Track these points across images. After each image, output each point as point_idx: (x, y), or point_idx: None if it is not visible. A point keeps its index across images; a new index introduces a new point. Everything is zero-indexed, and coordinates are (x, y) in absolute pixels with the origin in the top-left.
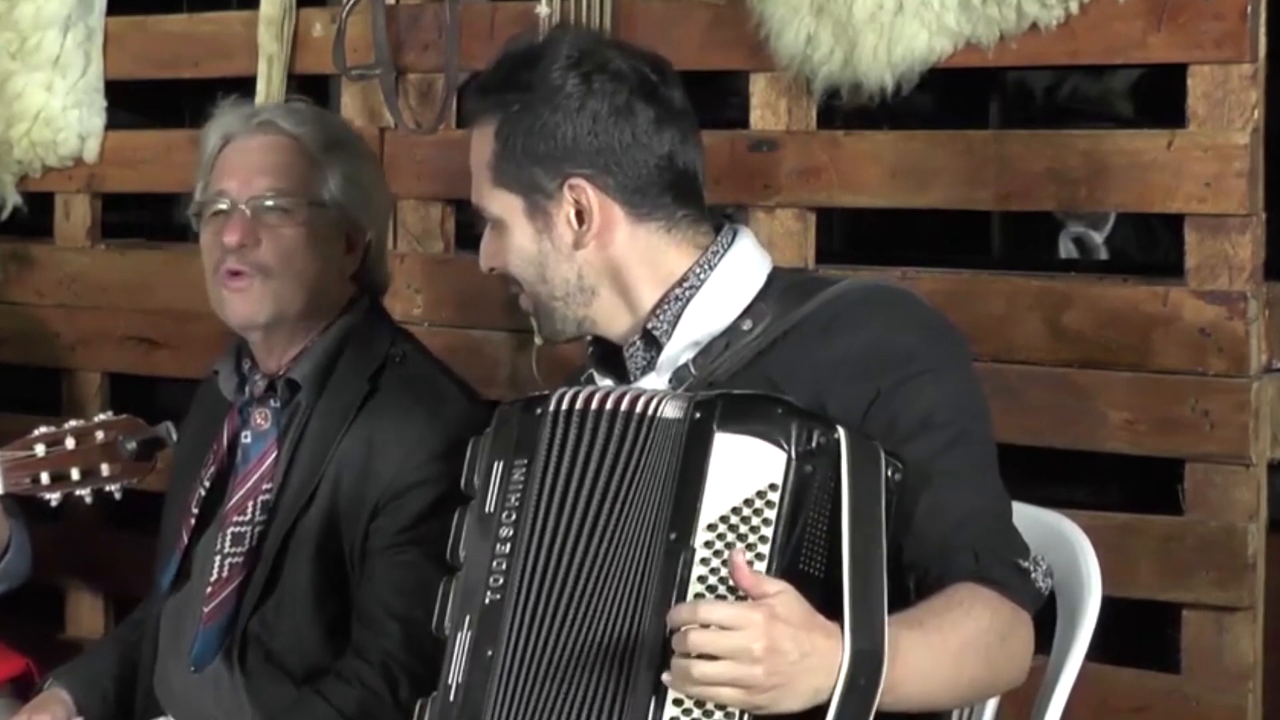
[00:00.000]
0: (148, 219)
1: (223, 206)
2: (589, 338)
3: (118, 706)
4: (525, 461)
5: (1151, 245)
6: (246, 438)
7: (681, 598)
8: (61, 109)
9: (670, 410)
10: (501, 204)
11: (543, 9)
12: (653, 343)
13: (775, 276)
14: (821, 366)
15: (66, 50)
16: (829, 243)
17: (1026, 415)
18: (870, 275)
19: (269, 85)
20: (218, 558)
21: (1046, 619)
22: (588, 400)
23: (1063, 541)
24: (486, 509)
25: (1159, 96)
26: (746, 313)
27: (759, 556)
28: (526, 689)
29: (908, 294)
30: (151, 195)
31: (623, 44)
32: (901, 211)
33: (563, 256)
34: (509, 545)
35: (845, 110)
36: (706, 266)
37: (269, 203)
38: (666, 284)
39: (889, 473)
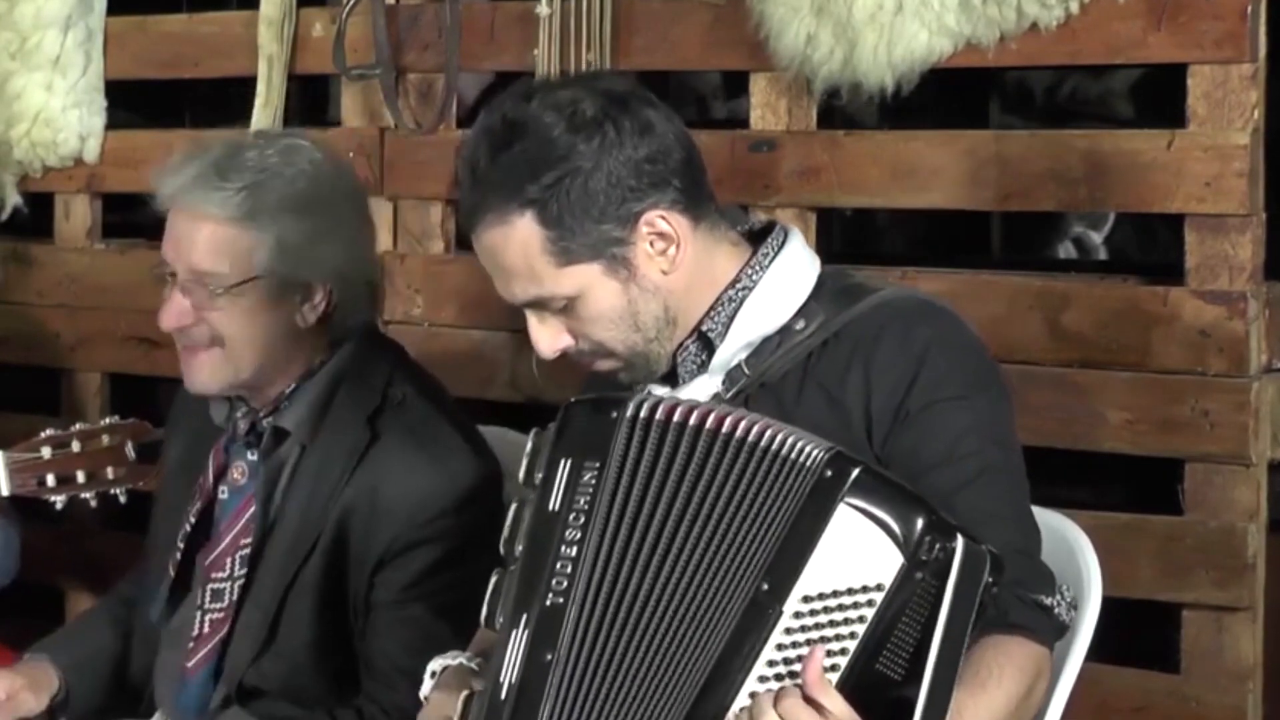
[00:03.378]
0: (148, 219)
1: (168, 271)
2: None
3: (103, 686)
4: (597, 464)
5: (1151, 245)
6: (224, 493)
7: (755, 654)
8: (61, 109)
9: (791, 447)
10: (575, 279)
11: (543, 9)
12: (706, 344)
13: (825, 278)
14: (872, 366)
15: (67, 50)
16: (829, 243)
17: (1027, 415)
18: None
19: (269, 86)
20: (198, 613)
21: None
22: (670, 411)
23: (1063, 541)
24: (551, 506)
25: (1159, 96)
26: (799, 313)
27: (842, 651)
28: (583, 700)
29: (954, 316)
30: (152, 195)
31: (568, 80)
32: (901, 211)
33: (650, 294)
34: (576, 549)
35: (845, 110)
36: (759, 267)
37: (203, 280)
38: (718, 287)
39: (989, 579)
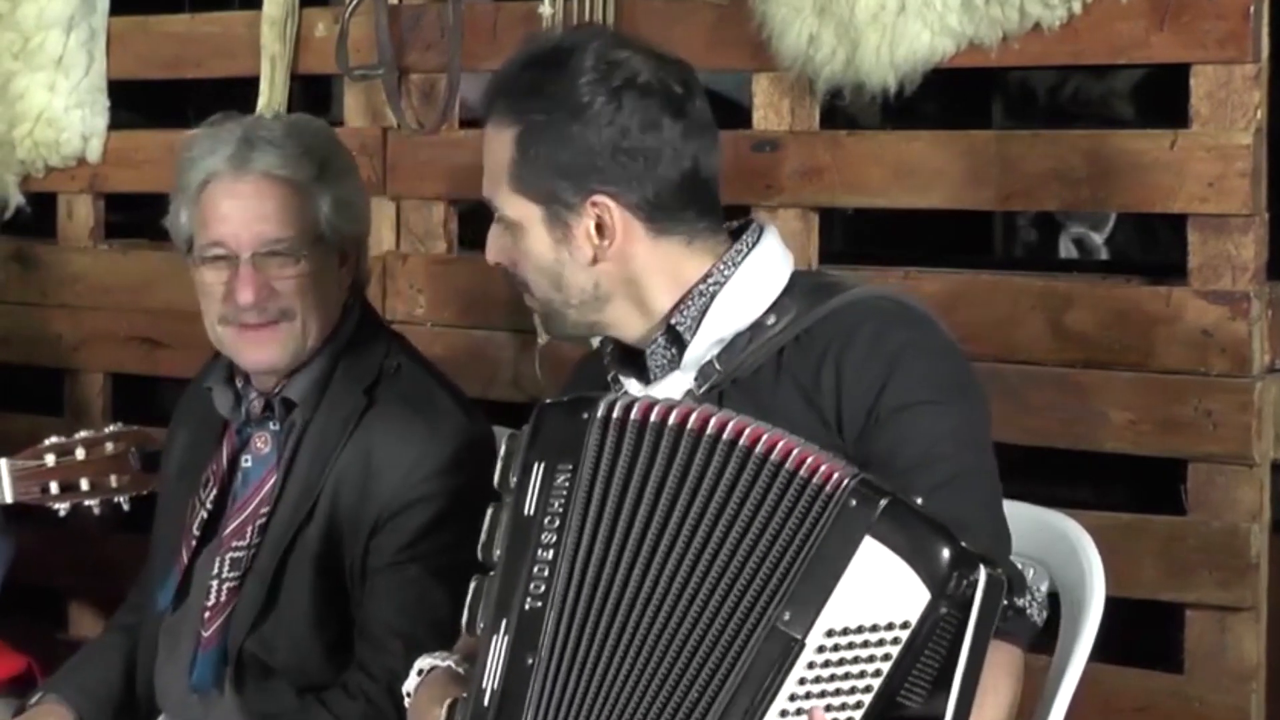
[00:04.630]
0: (150, 219)
1: (221, 253)
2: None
3: (114, 713)
4: (570, 467)
5: (1153, 245)
6: (247, 461)
7: (775, 687)
8: (64, 109)
9: (800, 463)
10: (519, 209)
11: (545, 9)
12: (676, 339)
13: (799, 275)
14: (844, 367)
15: (69, 50)
16: (831, 243)
17: (1029, 416)
18: (878, 279)
19: (271, 86)
20: (214, 582)
21: (1049, 619)
22: (645, 411)
23: (1065, 542)
24: (526, 510)
25: (1161, 97)
26: (771, 309)
27: (866, 689)
28: (567, 702)
29: (929, 319)
30: (154, 195)
31: (648, 49)
32: (903, 212)
33: (579, 267)
34: (552, 552)
35: (847, 110)
36: (731, 264)
37: (272, 250)
38: (683, 287)
39: (1005, 602)
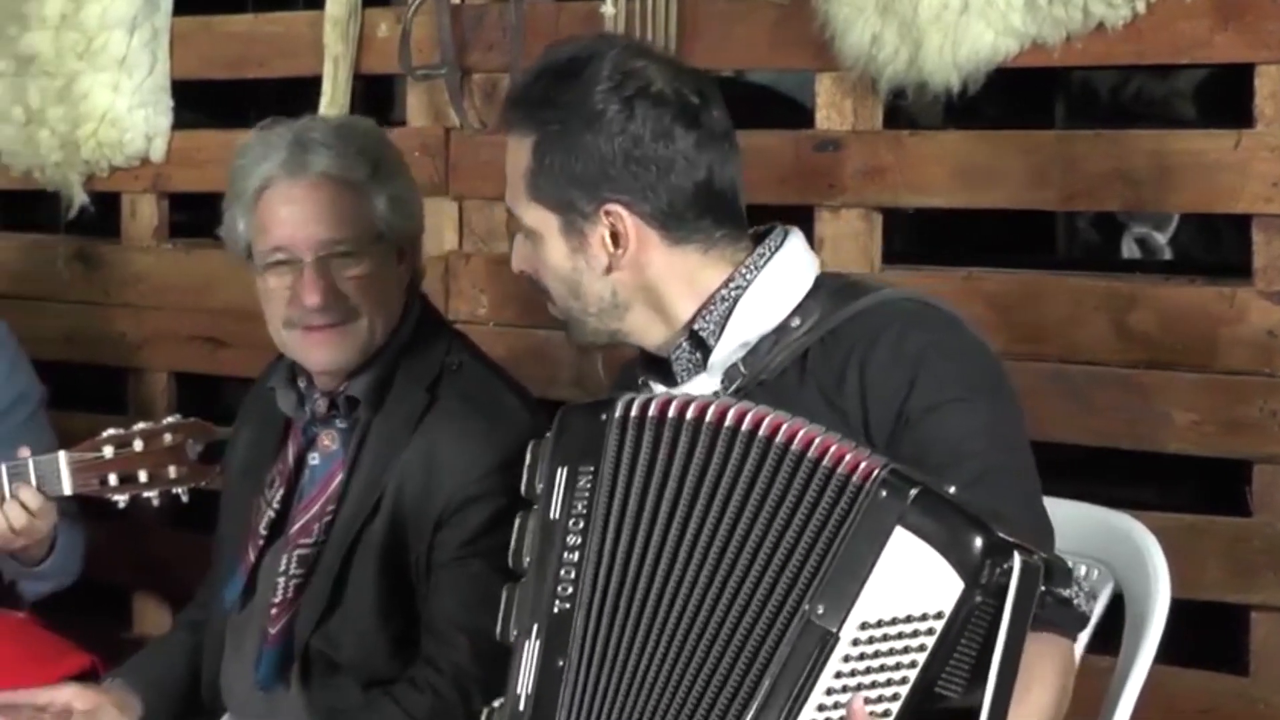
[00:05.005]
0: (214, 219)
1: (284, 258)
2: None
3: (178, 705)
4: (591, 468)
5: (1216, 246)
6: (314, 459)
7: (812, 681)
8: (128, 109)
9: (825, 452)
10: (536, 218)
11: (608, 9)
12: (700, 344)
13: (824, 279)
14: (868, 371)
15: (133, 50)
16: (893, 243)
17: (1092, 416)
18: (939, 280)
19: (334, 85)
20: (282, 579)
21: (1114, 621)
22: (662, 408)
23: (1130, 543)
24: (551, 515)
25: (1225, 97)
26: (795, 311)
27: (903, 681)
28: (599, 703)
29: (953, 317)
30: (217, 195)
31: (666, 59)
32: (966, 212)
33: (596, 276)
34: (577, 554)
35: (909, 110)
36: (753, 268)
37: (334, 252)
38: (704, 295)
39: (1044, 589)
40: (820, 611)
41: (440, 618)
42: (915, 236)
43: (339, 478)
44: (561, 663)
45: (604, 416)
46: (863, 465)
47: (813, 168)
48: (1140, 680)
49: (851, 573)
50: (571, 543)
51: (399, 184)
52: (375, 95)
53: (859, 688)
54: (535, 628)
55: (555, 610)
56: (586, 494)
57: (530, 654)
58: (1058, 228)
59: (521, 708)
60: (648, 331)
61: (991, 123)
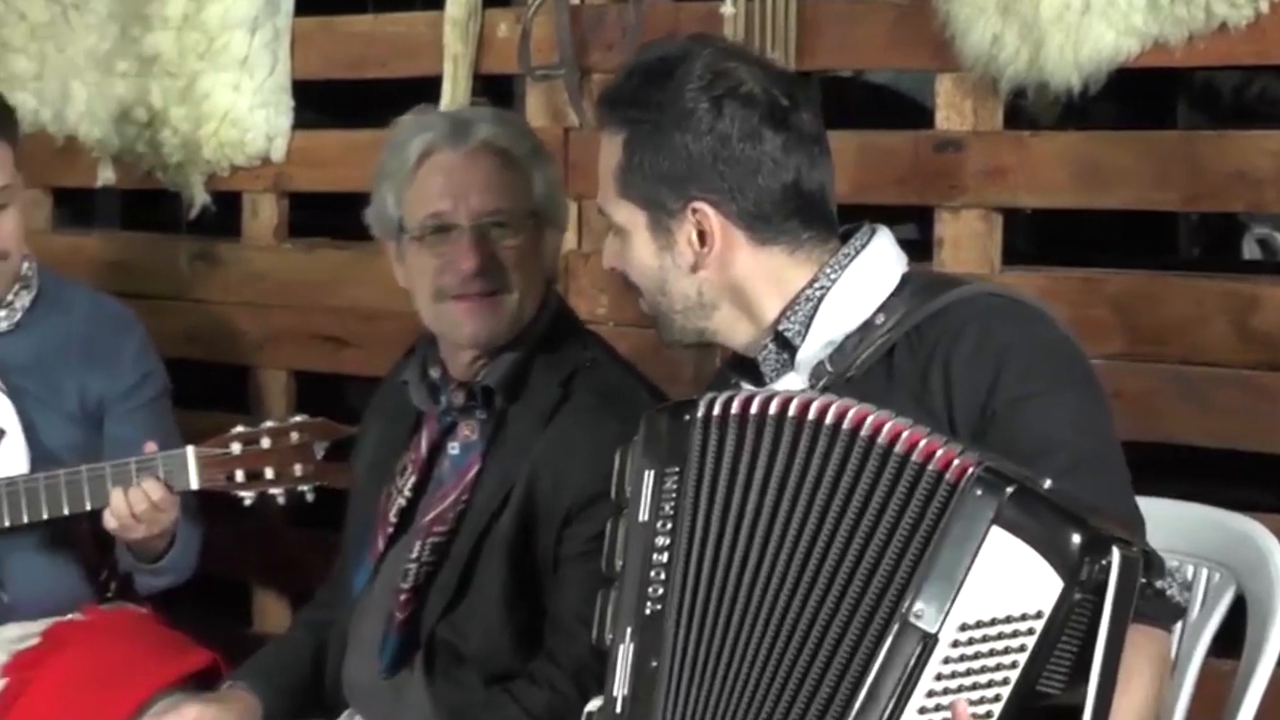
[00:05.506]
0: (334, 218)
1: (441, 224)
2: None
3: (299, 705)
4: (677, 469)
5: None
6: (454, 448)
7: (912, 683)
8: (249, 109)
9: (914, 447)
10: (625, 214)
11: (728, 9)
12: (785, 345)
13: (910, 277)
14: (952, 368)
15: (254, 51)
16: (1013, 244)
17: (1213, 418)
18: (1059, 280)
19: (454, 86)
20: (414, 565)
21: (1236, 624)
22: (745, 404)
23: (1251, 545)
24: (640, 518)
25: None
26: (881, 309)
27: (1004, 681)
28: (695, 703)
29: (1038, 311)
30: (337, 195)
31: (759, 61)
32: (1086, 212)
33: (682, 273)
34: (667, 554)
35: (1028, 110)
36: (837, 267)
37: (493, 220)
38: (788, 296)
39: (1143, 580)
40: (919, 612)
41: (565, 612)
42: (1035, 237)
43: (476, 467)
44: (655, 663)
45: (688, 417)
46: (956, 462)
47: (933, 168)
48: (1263, 684)
49: (949, 573)
50: (660, 544)
51: (553, 170)
52: (494, 95)
53: (959, 689)
54: (629, 630)
55: (647, 612)
56: (673, 495)
57: (625, 656)
58: (1179, 228)
59: (619, 710)
60: (734, 331)
61: (1110, 123)
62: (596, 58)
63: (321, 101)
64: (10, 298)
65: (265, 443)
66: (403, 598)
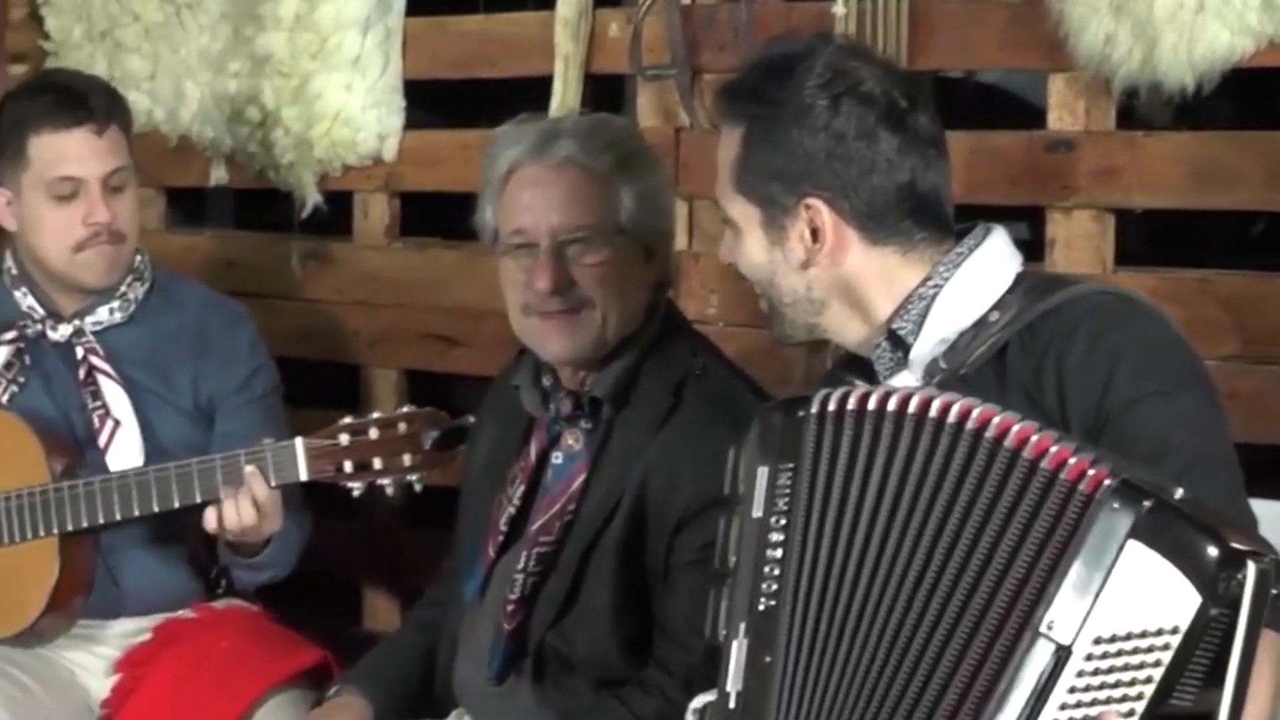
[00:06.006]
0: (445, 218)
1: (523, 241)
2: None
3: (410, 708)
4: (791, 465)
5: None
6: (558, 458)
7: (1045, 695)
8: (361, 109)
9: (1044, 452)
10: (739, 209)
11: (839, 9)
12: (899, 343)
13: (1024, 276)
14: (1065, 367)
15: (366, 51)
16: (1126, 245)
17: None
18: (1172, 281)
19: (565, 86)
20: (520, 575)
21: None
22: (861, 400)
23: None
24: (754, 514)
25: None
26: (994, 307)
27: (1139, 697)
28: (808, 697)
29: (1152, 310)
30: (448, 194)
31: (881, 62)
32: (1200, 213)
33: (791, 270)
34: (781, 550)
35: (1139, 110)
36: (951, 265)
37: (572, 238)
38: (901, 296)
39: (1275, 590)
40: (1052, 624)
41: (675, 620)
42: (1147, 238)
43: (581, 477)
44: (769, 659)
45: (802, 413)
46: (1091, 472)
47: (1045, 168)
48: None
49: (1084, 585)
50: (774, 540)
51: (649, 181)
52: (605, 95)
53: (1093, 703)
54: (742, 626)
55: (761, 608)
56: (788, 491)
57: (738, 652)
58: None
59: (732, 705)
60: (846, 329)
61: (1224, 123)
62: (708, 58)
63: (433, 101)
64: (124, 289)
65: (373, 433)
66: (510, 608)
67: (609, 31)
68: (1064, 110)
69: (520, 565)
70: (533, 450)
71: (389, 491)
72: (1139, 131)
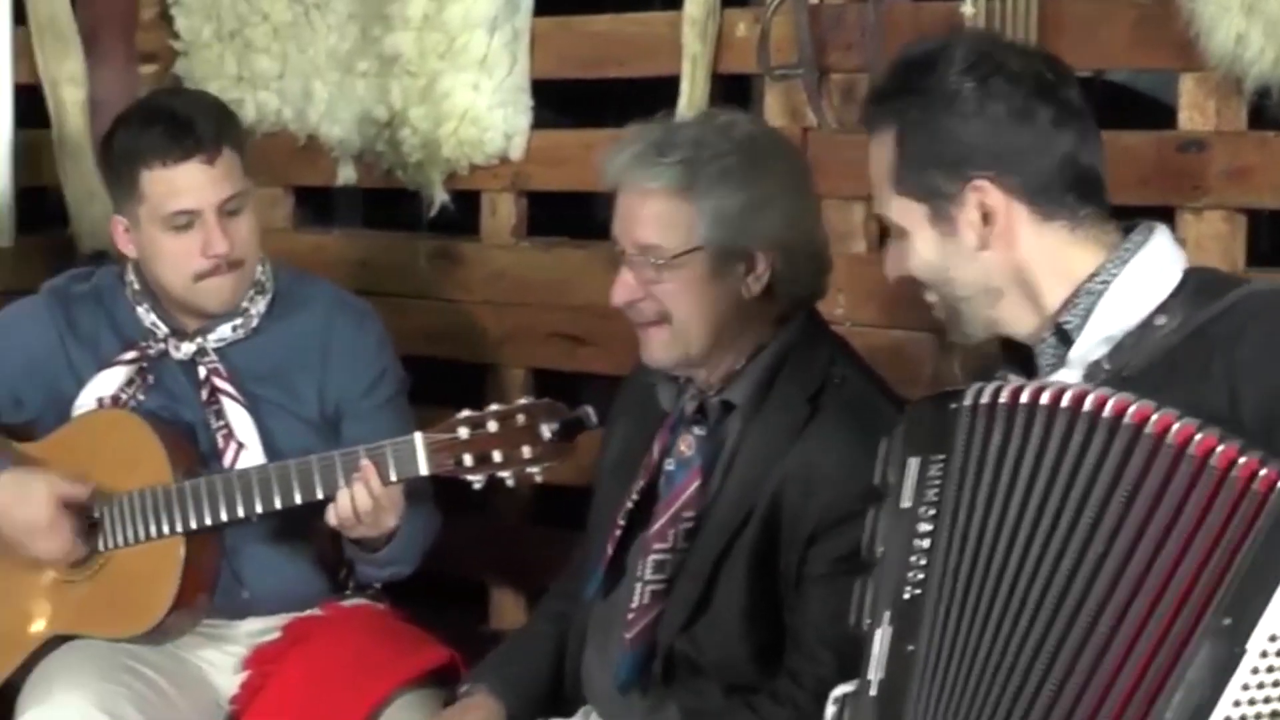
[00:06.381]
0: (572, 217)
1: (619, 251)
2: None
3: (540, 705)
4: (942, 457)
5: None
6: (670, 464)
7: (1215, 697)
8: (488, 108)
9: (1207, 448)
10: (904, 212)
11: (968, 9)
12: (1065, 338)
13: (1190, 276)
14: (1236, 366)
15: (493, 50)
16: (1258, 245)
17: None
18: None
19: (692, 86)
20: (639, 585)
21: None
22: (1014, 394)
23: None
24: (903, 504)
25: None
26: (1160, 309)
27: None
28: (949, 687)
29: None
30: (576, 194)
31: (1018, 45)
32: None
33: (966, 259)
34: (929, 540)
35: (1273, 110)
36: (1119, 262)
37: (648, 255)
38: (1074, 283)
39: None
40: (1224, 624)
41: (808, 631)
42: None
43: (695, 484)
44: (911, 648)
45: (954, 405)
46: (1263, 473)
47: (1176, 168)
48: None
49: (1259, 585)
50: (923, 530)
51: (735, 196)
52: (733, 95)
53: (1266, 701)
54: (886, 615)
55: (906, 597)
56: (938, 482)
57: (881, 641)
58: None
59: (873, 693)
60: (1019, 321)
61: None
62: (835, 58)
63: (560, 101)
64: (245, 304)
65: (492, 426)
66: (629, 616)
67: (736, 31)
68: (1195, 110)
69: (638, 573)
70: (655, 450)
71: (509, 484)
72: (1270, 131)
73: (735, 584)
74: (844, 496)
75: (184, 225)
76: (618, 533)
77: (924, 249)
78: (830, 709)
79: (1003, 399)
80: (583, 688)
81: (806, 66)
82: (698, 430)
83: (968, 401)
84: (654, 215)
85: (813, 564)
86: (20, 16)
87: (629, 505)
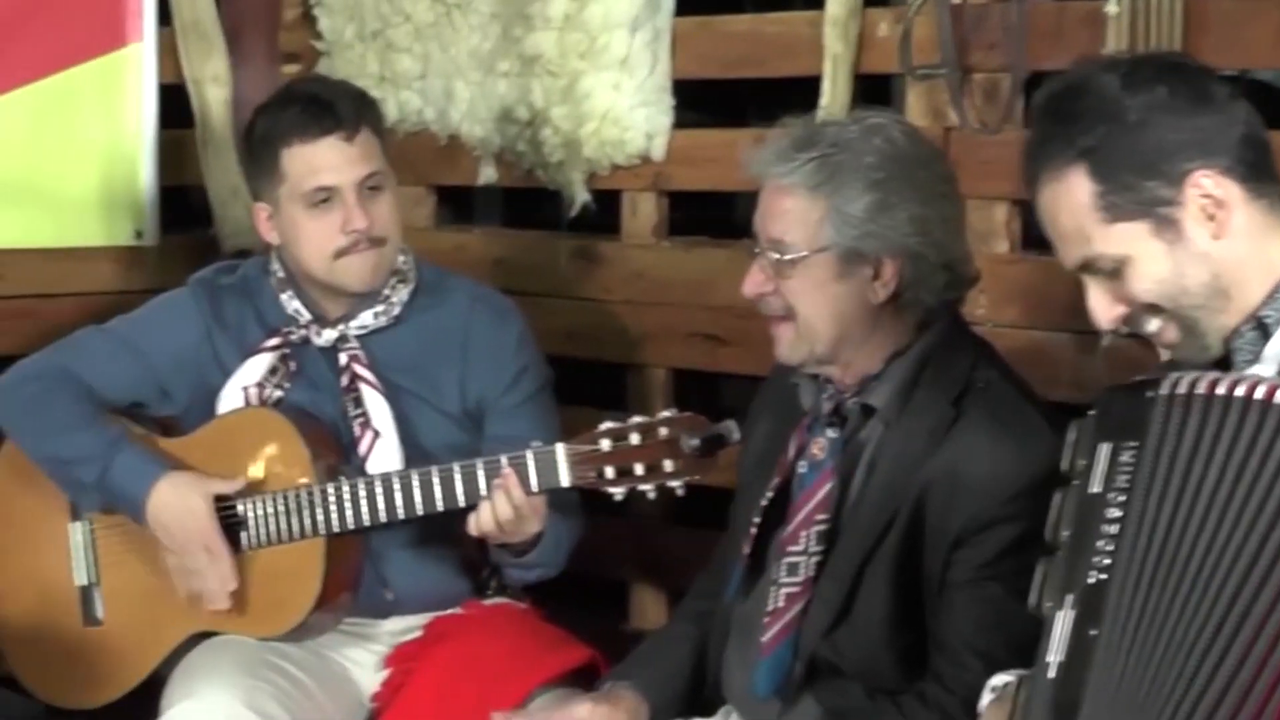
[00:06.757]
0: (713, 217)
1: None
2: None
3: (681, 705)
4: (1135, 444)
5: None
6: (803, 466)
7: None
8: (629, 108)
9: None
10: (1123, 238)
11: (1112, 8)
12: (1265, 333)
13: None
14: None
15: (634, 50)
16: None
17: None
18: None
19: (834, 86)
20: (773, 588)
21: None
22: (1211, 385)
23: None
24: (1091, 489)
25: None
26: None
27: None
28: (1128, 674)
29: None
30: (717, 194)
31: (1140, 54)
32: None
33: (1198, 261)
34: (1116, 526)
35: None
36: None
37: (772, 254)
38: (1276, 272)
39: None
40: None
41: (953, 637)
42: None
43: (827, 487)
44: (1094, 632)
45: (1150, 394)
46: None
47: None
48: None
49: None
50: (1111, 515)
51: (859, 200)
52: (874, 95)
53: None
54: (1069, 599)
55: (1090, 581)
56: (1129, 469)
57: (1063, 624)
58: None
59: (1052, 675)
60: (1230, 321)
61: None
62: (978, 57)
63: (701, 101)
64: (387, 291)
65: (634, 439)
66: (765, 620)
67: (878, 31)
68: None
69: (773, 576)
70: (790, 449)
71: (650, 496)
72: None
73: (878, 590)
74: (991, 503)
75: (323, 201)
76: (753, 532)
77: (1153, 266)
78: (986, 696)
79: (1200, 389)
80: (722, 688)
81: (949, 66)
82: (830, 433)
83: (1164, 390)
84: (785, 211)
85: (956, 569)
86: (165, 17)
87: (764, 502)
